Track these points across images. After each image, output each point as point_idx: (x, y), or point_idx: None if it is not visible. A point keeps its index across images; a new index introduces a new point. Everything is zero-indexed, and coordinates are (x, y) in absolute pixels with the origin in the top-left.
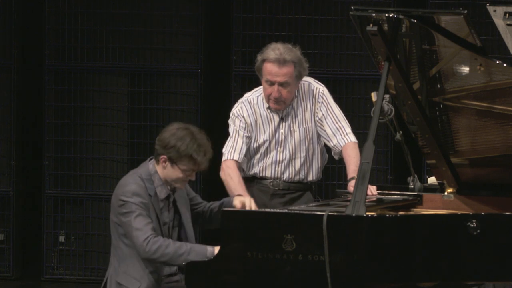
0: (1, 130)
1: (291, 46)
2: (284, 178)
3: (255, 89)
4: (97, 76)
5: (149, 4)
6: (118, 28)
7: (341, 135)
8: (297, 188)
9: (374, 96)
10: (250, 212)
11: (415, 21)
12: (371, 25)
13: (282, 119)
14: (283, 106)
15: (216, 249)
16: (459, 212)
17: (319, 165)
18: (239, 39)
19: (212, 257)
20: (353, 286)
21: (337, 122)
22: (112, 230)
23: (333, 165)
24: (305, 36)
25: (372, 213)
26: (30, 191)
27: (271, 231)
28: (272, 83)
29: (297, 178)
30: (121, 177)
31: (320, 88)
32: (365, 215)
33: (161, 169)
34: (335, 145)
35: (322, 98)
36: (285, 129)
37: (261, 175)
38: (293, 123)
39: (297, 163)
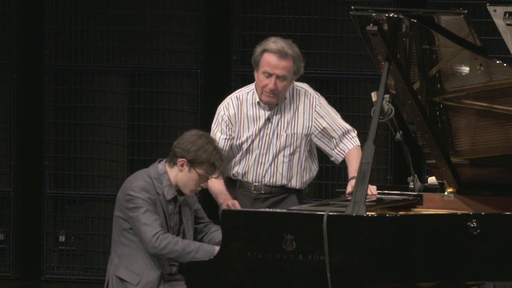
0: (1, 130)
1: (291, 42)
2: (266, 182)
3: (247, 86)
4: (97, 76)
5: (149, 4)
6: (118, 28)
7: (348, 139)
8: (279, 192)
9: (374, 96)
10: (250, 212)
11: (415, 21)
12: (371, 25)
13: (268, 120)
14: (276, 100)
15: None
16: (459, 212)
17: (303, 175)
18: (239, 39)
19: None
20: (353, 286)
21: (341, 128)
22: (115, 225)
23: (333, 165)
24: (305, 36)
25: (372, 213)
26: (30, 191)
27: (271, 231)
28: (270, 75)
29: (279, 183)
30: (121, 177)
31: (316, 97)
32: (365, 215)
33: (176, 172)
34: (341, 149)
35: (320, 107)
36: (270, 130)
37: (243, 179)
38: (281, 126)
39: (279, 168)
